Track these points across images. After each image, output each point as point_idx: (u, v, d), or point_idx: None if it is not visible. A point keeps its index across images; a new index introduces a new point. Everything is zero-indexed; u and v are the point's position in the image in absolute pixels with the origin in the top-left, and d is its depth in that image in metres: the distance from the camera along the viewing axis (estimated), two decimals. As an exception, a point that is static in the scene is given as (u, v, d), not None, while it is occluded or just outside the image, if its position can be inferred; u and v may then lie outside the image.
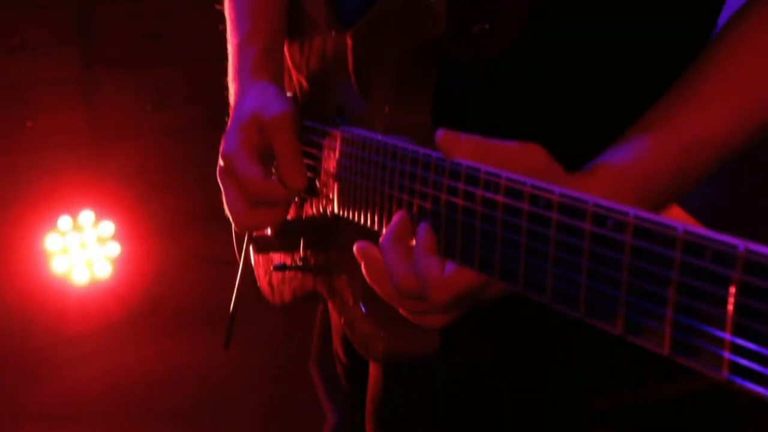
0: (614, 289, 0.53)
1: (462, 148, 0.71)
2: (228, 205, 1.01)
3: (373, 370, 1.13)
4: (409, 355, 0.92)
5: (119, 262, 3.04)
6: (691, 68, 0.83)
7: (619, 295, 0.53)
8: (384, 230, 0.83)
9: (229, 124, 1.02)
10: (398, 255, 0.76)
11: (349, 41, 0.97)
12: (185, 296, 3.01)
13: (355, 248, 0.82)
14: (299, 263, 1.15)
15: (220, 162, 1.00)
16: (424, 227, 0.74)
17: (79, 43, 2.86)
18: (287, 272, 1.20)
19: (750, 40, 0.81)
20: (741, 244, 0.44)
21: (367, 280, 0.81)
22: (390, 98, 0.91)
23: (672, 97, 0.82)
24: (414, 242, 0.75)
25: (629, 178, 0.78)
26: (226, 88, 1.14)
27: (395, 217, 0.78)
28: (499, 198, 0.64)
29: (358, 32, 0.97)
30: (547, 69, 0.91)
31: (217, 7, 1.17)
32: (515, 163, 0.70)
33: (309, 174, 1.04)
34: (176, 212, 3.28)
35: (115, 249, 3.02)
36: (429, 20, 0.83)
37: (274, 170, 1.03)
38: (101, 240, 3.02)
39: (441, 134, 0.72)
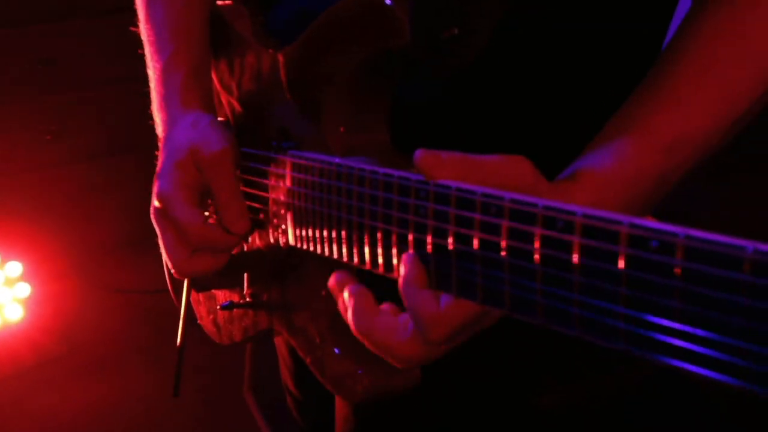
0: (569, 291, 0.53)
1: (445, 167, 0.65)
2: (165, 249, 0.94)
3: (341, 406, 1.06)
4: (389, 392, 0.85)
5: (30, 304, 2.89)
6: (659, 65, 0.81)
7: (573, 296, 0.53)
8: (351, 262, 0.77)
9: (160, 159, 0.94)
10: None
11: (281, 60, 0.90)
12: (104, 333, 2.89)
13: (330, 282, 0.76)
14: (248, 300, 1.07)
15: (155, 203, 0.93)
16: (410, 258, 0.68)
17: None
18: (235, 310, 1.11)
19: (719, 30, 0.78)
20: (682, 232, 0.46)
21: (353, 324, 0.74)
22: (344, 117, 0.84)
23: (646, 97, 0.79)
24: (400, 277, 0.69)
25: (614, 183, 0.75)
26: (151, 117, 1.05)
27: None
28: (504, 222, 0.58)
29: (299, 48, 0.90)
30: (521, 71, 0.86)
31: (132, 29, 1.07)
32: (503, 177, 0.66)
33: (255, 205, 0.96)
34: (86, 244, 3.15)
35: (24, 290, 2.88)
36: (391, 29, 0.76)
37: (213, 211, 0.95)
38: (9, 281, 2.87)
39: (420, 155, 0.66)
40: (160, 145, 0.98)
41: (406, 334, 0.70)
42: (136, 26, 1.08)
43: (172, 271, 0.95)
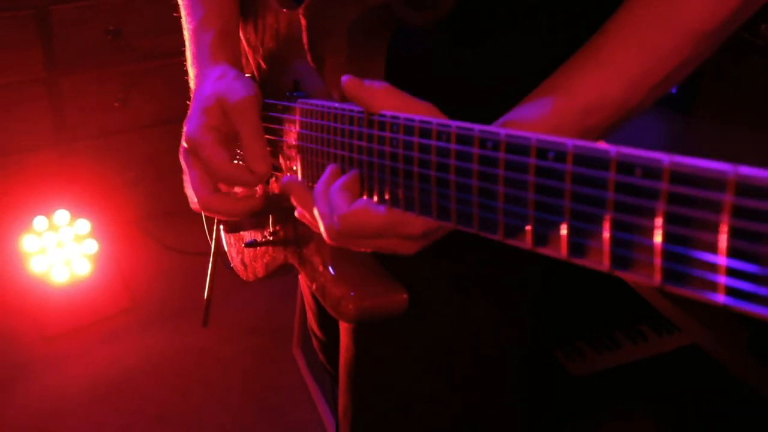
0: (559, 215, 0.56)
1: (371, 94, 0.78)
2: (192, 185, 1.03)
3: (344, 336, 1.16)
4: (379, 313, 0.96)
5: (98, 259, 3.05)
6: (598, 31, 0.86)
7: (563, 219, 0.56)
8: None
9: (191, 107, 1.04)
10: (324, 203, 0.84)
11: (301, 18, 1.00)
12: (165, 289, 3.03)
13: (282, 181, 0.90)
14: (269, 238, 1.19)
15: (183, 143, 1.02)
16: (351, 172, 0.83)
17: (40, 44, 2.85)
18: (258, 248, 1.23)
19: (644, 4, 0.83)
20: (666, 158, 0.48)
21: (297, 203, 0.90)
22: (344, 67, 0.94)
23: (575, 58, 0.86)
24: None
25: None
26: (188, 74, 1.16)
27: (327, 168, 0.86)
28: (452, 146, 0.67)
29: (307, 8, 1.00)
30: (491, 25, 0.94)
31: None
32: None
33: (271, 149, 1.07)
34: (150, 206, 3.30)
35: (93, 246, 3.03)
36: None
37: (238, 155, 1.06)
38: (78, 238, 3.02)
39: (346, 81, 0.79)
40: (191, 96, 1.08)
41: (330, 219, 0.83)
42: None
43: (197, 205, 1.05)
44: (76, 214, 3.03)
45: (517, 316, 1.10)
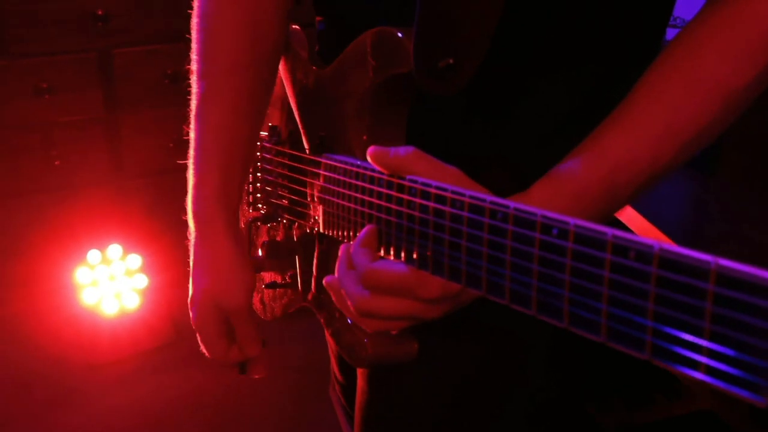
0: (560, 288, 0.61)
1: (398, 162, 0.83)
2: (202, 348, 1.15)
3: (360, 380, 1.21)
4: (390, 360, 1.00)
5: (147, 293, 3.14)
6: (629, 93, 0.89)
7: (563, 293, 0.61)
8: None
9: (191, 290, 1.11)
10: (350, 279, 0.87)
11: (329, 75, 1.06)
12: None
13: (324, 283, 0.93)
14: (288, 281, 1.25)
15: (192, 318, 1.11)
16: (369, 226, 0.87)
17: (101, 85, 2.99)
18: (278, 289, 1.29)
19: (674, 57, 0.87)
20: (656, 244, 0.53)
21: (338, 305, 0.92)
22: (367, 128, 1.00)
23: (607, 120, 0.89)
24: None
25: (561, 196, 0.86)
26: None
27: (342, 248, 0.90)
28: (465, 214, 0.73)
29: (334, 68, 1.07)
30: (508, 95, 0.99)
31: (185, 137, 1.21)
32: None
33: (297, 198, 1.14)
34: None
35: (142, 281, 3.12)
36: (398, 57, 0.91)
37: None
38: (129, 272, 3.12)
39: (372, 151, 0.84)
40: (190, 238, 1.14)
41: (355, 287, 0.86)
42: (187, 135, 1.20)
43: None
44: (128, 250, 3.14)
45: (527, 368, 1.13)
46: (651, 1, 0.99)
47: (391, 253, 0.84)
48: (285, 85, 1.23)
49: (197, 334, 1.12)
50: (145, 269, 3.15)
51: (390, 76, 0.94)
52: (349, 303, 0.86)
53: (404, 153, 0.82)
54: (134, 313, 3.09)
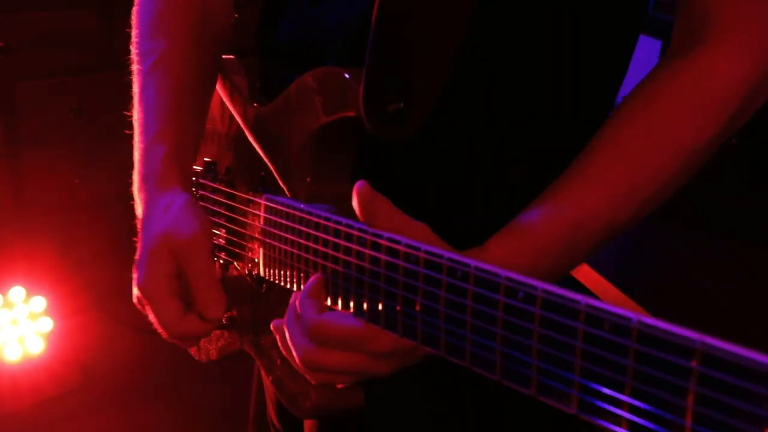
0: (527, 355, 0.59)
1: (378, 215, 0.77)
2: (154, 323, 0.98)
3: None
4: (335, 411, 0.96)
5: (52, 338, 3.01)
6: (589, 144, 0.89)
7: (531, 360, 0.59)
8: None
9: (138, 247, 0.96)
10: (297, 330, 0.83)
11: (270, 113, 1.03)
12: (119, 368, 2.99)
13: (272, 326, 0.88)
14: (225, 323, 1.20)
15: (137, 293, 0.95)
16: (316, 275, 0.83)
17: (2, 120, 2.87)
18: (213, 331, 1.24)
19: (635, 116, 0.86)
20: (635, 317, 0.51)
21: (284, 353, 0.88)
22: (311, 170, 0.97)
23: (564, 175, 0.87)
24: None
25: (521, 252, 0.84)
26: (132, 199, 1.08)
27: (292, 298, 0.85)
28: (420, 269, 0.70)
29: (277, 107, 1.03)
30: (458, 144, 0.97)
31: (127, 114, 1.14)
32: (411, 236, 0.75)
33: (235, 239, 1.09)
34: (106, 284, 3.27)
35: (47, 324, 2.99)
36: (345, 99, 0.88)
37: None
38: (33, 315, 2.99)
39: (362, 186, 0.78)
40: (138, 229, 1.00)
41: (302, 338, 0.81)
42: (130, 111, 1.12)
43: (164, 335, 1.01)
44: (31, 291, 3.00)
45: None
46: (614, 47, 0.99)
47: (339, 303, 0.81)
48: (220, 119, 1.19)
49: (144, 302, 0.94)
50: (50, 312, 3.02)
51: (337, 119, 0.91)
52: (295, 353, 0.82)
53: (379, 202, 0.77)
54: (38, 359, 2.95)
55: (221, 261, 1.17)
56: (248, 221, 1.06)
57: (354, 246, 0.79)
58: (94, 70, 2.97)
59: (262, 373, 1.43)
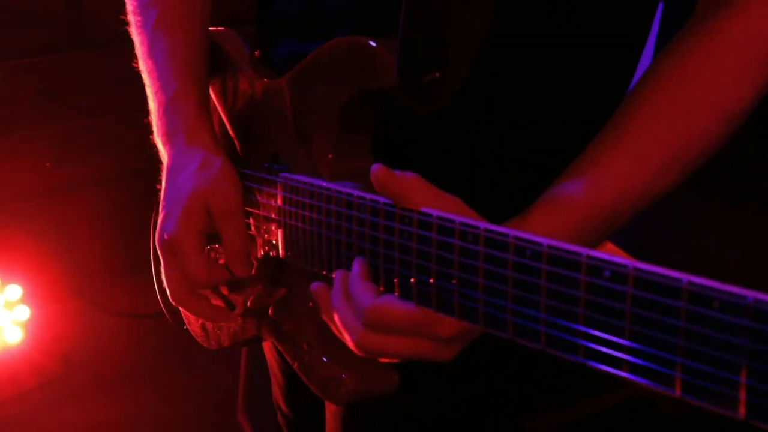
0: (536, 310, 0.61)
1: (404, 188, 0.74)
2: (167, 280, 1.00)
3: (330, 418, 1.13)
4: (370, 395, 0.93)
5: (30, 326, 2.92)
6: (622, 106, 0.87)
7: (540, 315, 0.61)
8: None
9: (166, 194, 0.98)
10: (349, 313, 0.79)
11: (285, 87, 0.98)
12: (101, 355, 2.92)
13: (312, 288, 0.85)
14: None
15: (165, 237, 0.97)
16: (360, 259, 0.79)
17: (-32, 104, 2.77)
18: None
19: (674, 76, 0.84)
20: (630, 263, 0.54)
21: (323, 315, 0.83)
22: (333, 145, 0.92)
23: (604, 138, 0.86)
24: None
25: (565, 226, 0.82)
26: (154, 146, 1.11)
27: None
28: (481, 248, 0.67)
29: (293, 80, 0.98)
30: (493, 111, 0.94)
31: (134, 65, 1.13)
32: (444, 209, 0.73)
33: (247, 220, 1.04)
34: (85, 268, 3.20)
35: (24, 312, 2.90)
36: (379, 71, 0.84)
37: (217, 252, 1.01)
38: (8, 304, 2.89)
39: (378, 170, 0.75)
40: (165, 175, 1.02)
41: (355, 321, 0.78)
42: (137, 63, 1.12)
43: (171, 299, 1.01)
44: (6, 279, 2.91)
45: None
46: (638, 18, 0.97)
47: (381, 285, 0.78)
48: (216, 96, 1.13)
49: (173, 251, 0.96)
50: (26, 300, 2.93)
51: (365, 91, 0.86)
52: (348, 337, 0.78)
53: (410, 178, 0.74)
54: (17, 348, 2.86)
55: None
56: (263, 201, 1.01)
57: (397, 225, 0.75)
58: (62, 50, 2.87)
59: (271, 353, 1.40)
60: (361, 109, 0.90)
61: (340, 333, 0.81)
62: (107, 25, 2.87)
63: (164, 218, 0.97)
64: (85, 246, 3.15)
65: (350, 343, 0.79)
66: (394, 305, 0.74)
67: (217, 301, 1.06)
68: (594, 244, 0.84)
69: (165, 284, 1.01)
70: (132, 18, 1.11)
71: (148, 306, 3.09)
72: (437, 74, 0.80)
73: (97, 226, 3.10)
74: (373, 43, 0.84)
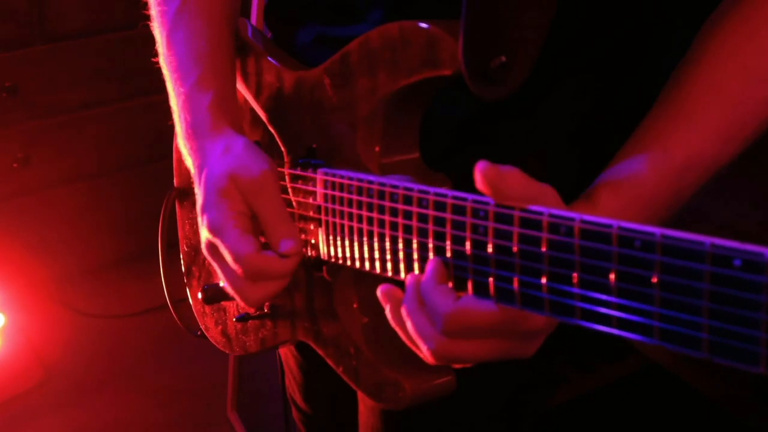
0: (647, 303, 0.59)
1: (508, 184, 0.69)
2: (228, 283, 0.92)
3: (368, 416, 1.08)
4: (429, 398, 0.89)
5: (6, 333, 2.84)
6: (674, 79, 0.84)
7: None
8: (393, 274, 0.81)
9: (202, 192, 0.92)
10: (424, 320, 0.74)
11: (324, 78, 0.92)
12: (81, 359, 2.84)
13: (379, 292, 0.79)
14: (266, 311, 1.09)
15: (208, 236, 0.90)
16: (433, 260, 0.74)
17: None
18: (250, 321, 1.13)
19: (729, 47, 0.82)
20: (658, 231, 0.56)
21: (392, 322, 0.78)
22: (379, 138, 0.87)
23: (660, 115, 0.83)
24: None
25: (631, 207, 0.80)
26: (172, 148, 1.05)
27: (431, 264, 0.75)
28: (544, 235, 0.64)
29: (329, 70, 0.93)
30: (552, 97, 0.91)
31: (153, 60, 1.07)
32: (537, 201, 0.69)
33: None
34: (60, 271, 3.11)
35: (-1, 320, 2.82)
36: (436, 57, 0.79)
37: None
38: (-18, 312, 2.81)
39: (484, 168, 0.68)
40: (196, 176, 0.96)
41: (431, 329, 0.73)
42: (156, 56, 1.06)
43: (241, 304, 0.94)
44: (-22, 287, 2.82)
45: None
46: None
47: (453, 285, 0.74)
48: (242, 88, 1.07)
49: (217, 241, 0.89)
50: (1, 307, 2.84)
51: (422, 79, 0.81)
52: (424, 346, 0.73)
53: (509, 172, 0.68)
54: (-7, 356, 2.77)
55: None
56: (297, 199, 0.96)
57: (469, 219, 0.70)
58: (25, 45, 2.76)
59: (286, 350, 1.35)
60: (413, 99, 0.85)
61: (413, 341, 0.76)
62: (70, 18, 2.78)
63: (201, 212, 0.91)
64: (59, 248, 3.06)
65: (426, 352, 0.74)
66: (476, 308, 0.70)
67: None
68: (663, 221, 0.81)
69: (230, 290, 0.93)
70: (154, 9, 1.05)
71: (125, 307, 3.05)
72: (504, 58, 0.75)
73: (68, 227, 3.01)
74: (433, 27, 0.79)
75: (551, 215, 0.64)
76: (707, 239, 0.53)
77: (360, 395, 1.14)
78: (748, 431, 1.62)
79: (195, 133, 0.97)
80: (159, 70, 1.05)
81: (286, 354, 1.38)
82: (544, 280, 0.65)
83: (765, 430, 1.20)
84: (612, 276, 0.60)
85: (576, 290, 0.63)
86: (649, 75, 0.93)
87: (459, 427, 1.06)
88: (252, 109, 1.07)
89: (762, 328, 0.50)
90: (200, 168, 0.94)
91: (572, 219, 0.63)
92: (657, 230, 0.57)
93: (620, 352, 2.11)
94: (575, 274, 0.63)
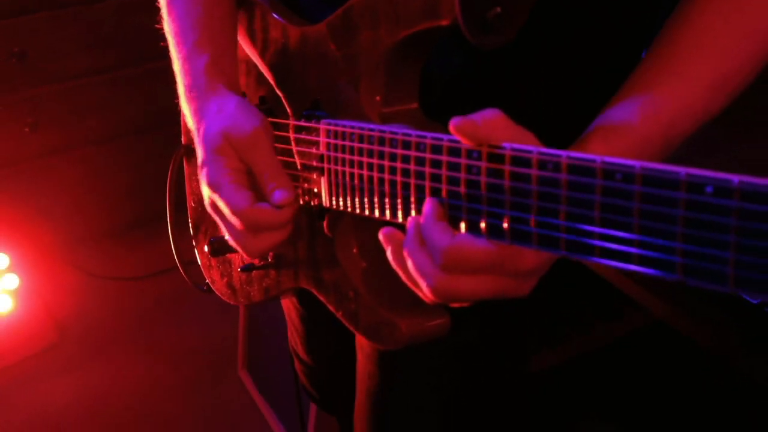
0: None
1: (489, 130, 0.72)
2: (231, 237, 0.97)
3: (364, 363, 1.12)
4: (424, 339, 0.92)
5: (20, 295, 2.88)
6: (663, 33, 0.86)
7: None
8: (392, 217, 0.84)
9: (200, 151, 0.96)
10: (424, 259, 0.77)
11: (326, 32, 0.95)
12: (94, 320, 2.89)
13: (381, 234, 0.82)
14: (270, 261, 1.13)
15: (206, 191, 0.95)
16: (430, 199, 0.77)
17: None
18: (254, 272, 1.17)
19: (720, 14, 0.84)
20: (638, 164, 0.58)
21: (393, 263, 0.81)
22: (380, 88, 0.90)
23: (650, 67, 0.86)
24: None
25: (621, 153, 0.79)
26: (179, 113, 1.08)
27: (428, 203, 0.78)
28: (533, 171, 0.67)
29: (332, 24, 0.95)
30: (549, 49, 0.93)
31: (157, 26, 1.10)
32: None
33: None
34: (73, 234, 3.15)
35: (13, 281, 2.86)
36: (435, 8, 0.81)
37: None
38: (-4, 274, 2.86)
39: (458, 123, 0.71)
40: (195, 135, 0.99)
41: (431, 266, 0.76)
42: (159, 23, 1.09)
43: (245, 256, 0.98)
44: (-8, 249, 2.87)
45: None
46: None
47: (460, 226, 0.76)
48: (248, 45, 1.10)
49: (215, 196, 0.93)
50: (14, 268, 2.89)
51: (421, 30, 0.84)
52: (424, 284, 0.77)
53: (491, 118, 0.71)
54: (8, 317, 2.83)
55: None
56: (300, 150, 0.99)
57: (463, 161, 0.73)
58: (34, 11, 2.78)
59: (289, 303, 1.38)
60: (412, 50, 0.87)
61: (413, 280, 0.79)
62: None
63: (200, 170, 0.95)
64: (69, 210, 3.10)
65: (425, 289, 0.77)
66: (472, 243, 0.73)
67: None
68: None
69: (233, 244, 0.97)
70: None
71: (136, 270, 3.09)
72: (498, 9, 0.78)
73: (81, 190, 3.05)
74: None
75: (540, 153, 0.67)
76: (683, 169, 0.56)
77: (358, 344, 1.18)
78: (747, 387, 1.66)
79: (193, 94, 1.00)
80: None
81: (288, 307, 1.41)
82: (532, 215, 0.68)
83: (754, 375, 1.23)
84: (596, 208, 0.63)
85: (562, 223, 0.66)
86: (640, 32, 0.95)
87: (452, 374, 1.09)
88: (263, 62, 1.09)
89: (730, 249, 0.53)
90: (198, 127, 0.98)
91: (559, 155, 0.65)
92: (637, 163, 0.60)
93: (618, 310, 2.13)
94: (562, 207, 0.66)
